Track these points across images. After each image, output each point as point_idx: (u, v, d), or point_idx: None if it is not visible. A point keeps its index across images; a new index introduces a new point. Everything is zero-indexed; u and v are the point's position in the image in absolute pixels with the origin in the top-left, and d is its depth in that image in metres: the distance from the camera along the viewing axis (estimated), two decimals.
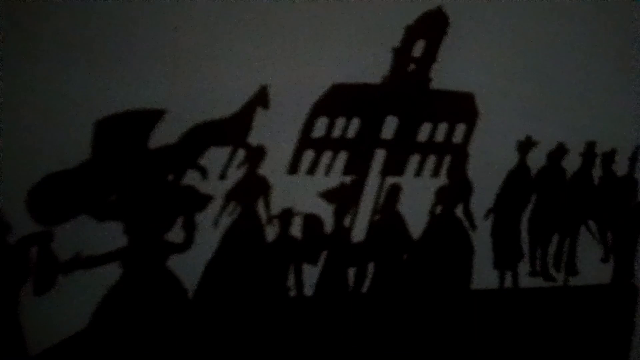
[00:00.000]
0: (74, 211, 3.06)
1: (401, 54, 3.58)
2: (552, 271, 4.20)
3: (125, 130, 3.11)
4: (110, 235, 3.12)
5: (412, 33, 3.58)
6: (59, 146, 2.99)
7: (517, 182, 4.00)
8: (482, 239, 3.94)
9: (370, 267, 3.69)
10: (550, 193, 4.11)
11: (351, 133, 3.58)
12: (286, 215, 3.48)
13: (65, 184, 3.03)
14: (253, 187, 3.42)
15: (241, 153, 3.36)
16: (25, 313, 2.98)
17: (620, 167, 4.32)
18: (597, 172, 4.26)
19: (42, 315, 3.01)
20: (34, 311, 3.00)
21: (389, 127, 3.65)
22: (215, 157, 3.31)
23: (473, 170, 3.86)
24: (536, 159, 4.04)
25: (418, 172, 3.74)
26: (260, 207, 3.46)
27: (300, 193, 3.50)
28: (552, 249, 4.21)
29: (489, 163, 3.89)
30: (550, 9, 3.84)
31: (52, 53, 2.95)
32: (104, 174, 3.09)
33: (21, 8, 2.87)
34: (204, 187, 3.30)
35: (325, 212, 3.56)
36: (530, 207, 4.09)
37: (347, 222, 3.62)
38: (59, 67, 2.96)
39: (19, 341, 2.97)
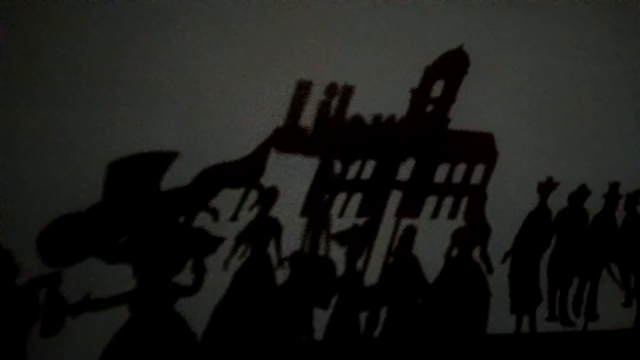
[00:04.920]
0: (83, 253, 3.04)
1: (419, 94, 3.50)
2: (572, 316, 4.07)
3: (137, 172, 3.09)
4: (119, 277, 3.10)
5: (431, 73, 3.50)
6: (69, 188, 2.99)
7: (537, 224, 3.89)
8: (498, 282, 3.84)
9: (383, 311, 3.61)
10: (571, 236, 3.99)
11: (366, 174, 3.51)
12: (297, 258, 3.42)
13: (76, 226, 3.02)
14: (264, 229, 3.37)
15: (253, 195, 3.31)
16: (33, 355, 2.97)
17: None
18: (620, 214, 4.12)
19: (50, 357, 3.01)
20: (42, 353, 2.99)
21: (406, 168, 3.57)
22: (227, 199, 3.27)
23: (491, 212, 3.76)
24: (557, 201, 3.92)
25: (434, 214, 3.65)
26: (272, 250, 3.40)
27: (312, 234, 3.44)
28: (571, 293, 4.09)
29: (508, 205, 3.79)
30: (571, 49, 3.73)
31: (65, 95, 2.94)
32: (114, 216, 3.07)
33: (38, 51, 2.87)
34: (215, 229, 3.26)
35: (338, 254, 3.50)
36: (549, 249, 3.97)
37: (359, 265, 3.55)
38: (72, 109, 2.95)
39: None
